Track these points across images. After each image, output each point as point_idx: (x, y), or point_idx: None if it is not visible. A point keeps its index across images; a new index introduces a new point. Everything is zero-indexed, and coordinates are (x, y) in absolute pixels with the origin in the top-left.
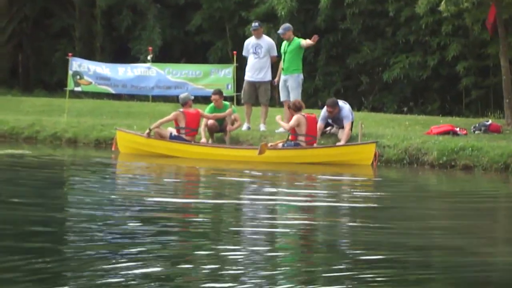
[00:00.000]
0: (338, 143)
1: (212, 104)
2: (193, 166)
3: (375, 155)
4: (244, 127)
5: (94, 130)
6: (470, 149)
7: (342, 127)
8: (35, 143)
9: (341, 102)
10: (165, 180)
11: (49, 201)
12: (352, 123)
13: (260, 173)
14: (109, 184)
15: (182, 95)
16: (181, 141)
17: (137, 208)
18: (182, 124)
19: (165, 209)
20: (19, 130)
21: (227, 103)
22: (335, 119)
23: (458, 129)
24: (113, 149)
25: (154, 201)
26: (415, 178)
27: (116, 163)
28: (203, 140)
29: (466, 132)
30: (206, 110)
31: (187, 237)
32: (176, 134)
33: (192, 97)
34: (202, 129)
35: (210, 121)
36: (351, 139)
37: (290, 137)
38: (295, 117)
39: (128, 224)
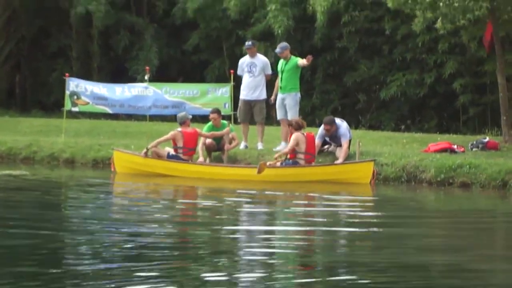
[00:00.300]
0: (336, 162)
1: (210, 123)
2: (191, 185)
3: (373, 173)
4: (242, 146)
5: (92, 150)
6: (467, 166)
7: (340, 145)
8: (32, 163)
9: (338, 120)
10: (160, 201)
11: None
12: (349, 141)
13: (257, 193)
14: (102, 206)
15: (180, 114)
16: (179, 160)
17: (130, 231)
18: (180, 143)
19: (159, 233)
20: (16, 151)
21: (225, 122)
22: (333, 137)
23: (455, 146)
24: (112, 169)
25: (148, 223)
26: (413, 196)
27: (112, 184)
28: (201, 159)
29: (464, 150)
30: (204, 128)
31: (183, 259)
32: (173, 153)
33: (190, 117)
34: (200, 148)
35: (208, 140)
36: (349, 158)
37: (289, 156)
38: (294, 136)
39: (121, 248)
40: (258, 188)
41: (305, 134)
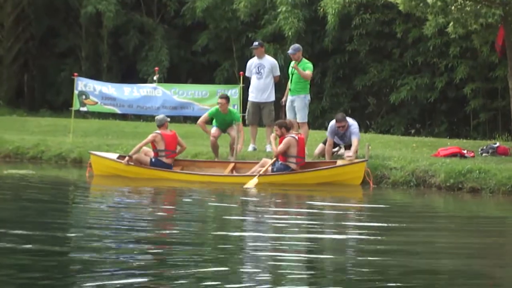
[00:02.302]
0: (347, 154)
1: (216, 107)
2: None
3: (368, 174)
4: (250, 148)
5: (100, 150)
6: (477, 171)
7: (349, 145)
8: (40, 163)
9: (349, 119)
10: (143, 207)
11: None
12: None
13: (253, 199)
14: (88, 209)
15: (159, 117)
16: (163, 167)
17: (114, 237)
18: (161, 146)
19: (142, 240)
20: (24, 150)
21: (234, 110)
22: (343, 136)
23: (465, 151)
24: (87, 173)
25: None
26: (421, 201)
27: (95, 186)
28: (214, 129)
29: (474, 155)
30: (209, 111)
31: (186, 267)
32: (155, 158)
33: (169, 119)
34: (200, 121)
35: (214, 132)
36: None
37: (278, 158)
38: (286, 140)
39: (112, 255)
40: (251, 193)
41: (297, 137)
